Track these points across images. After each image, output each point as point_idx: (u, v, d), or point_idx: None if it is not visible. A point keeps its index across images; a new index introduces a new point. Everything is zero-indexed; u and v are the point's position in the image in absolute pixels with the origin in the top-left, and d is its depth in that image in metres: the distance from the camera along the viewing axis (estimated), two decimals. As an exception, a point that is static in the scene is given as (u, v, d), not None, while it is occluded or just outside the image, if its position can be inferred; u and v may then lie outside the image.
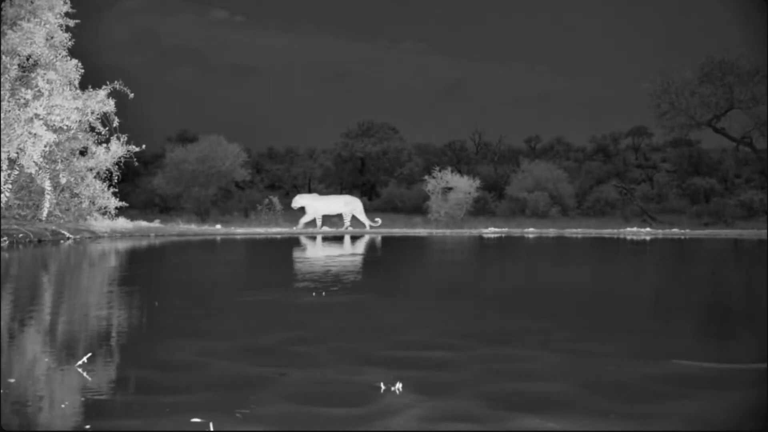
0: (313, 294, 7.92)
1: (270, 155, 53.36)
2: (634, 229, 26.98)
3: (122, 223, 22.19)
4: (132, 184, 35.53)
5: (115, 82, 21.05)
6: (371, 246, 18.90)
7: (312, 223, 26.79)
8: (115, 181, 21.91)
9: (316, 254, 16.19)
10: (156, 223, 24.00)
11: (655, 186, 41.21)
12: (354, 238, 22.10)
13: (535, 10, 75.15)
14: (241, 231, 24.38)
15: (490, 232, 26.33)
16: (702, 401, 3.78)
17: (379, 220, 27.24)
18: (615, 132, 53.32)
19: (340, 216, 27.36)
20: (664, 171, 45.02)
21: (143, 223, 23.46)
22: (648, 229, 27.01)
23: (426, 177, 31.72)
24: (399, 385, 3.92)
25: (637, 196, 36.03)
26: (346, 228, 26.29)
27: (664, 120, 33.57)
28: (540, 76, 77.13)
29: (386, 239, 22.07)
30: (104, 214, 21.76)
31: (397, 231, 26.20)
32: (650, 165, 48.87)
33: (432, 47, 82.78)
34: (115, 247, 16.57)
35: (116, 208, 21.93)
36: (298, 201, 27.00)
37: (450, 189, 30.44)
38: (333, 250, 17.02)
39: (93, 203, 21.44)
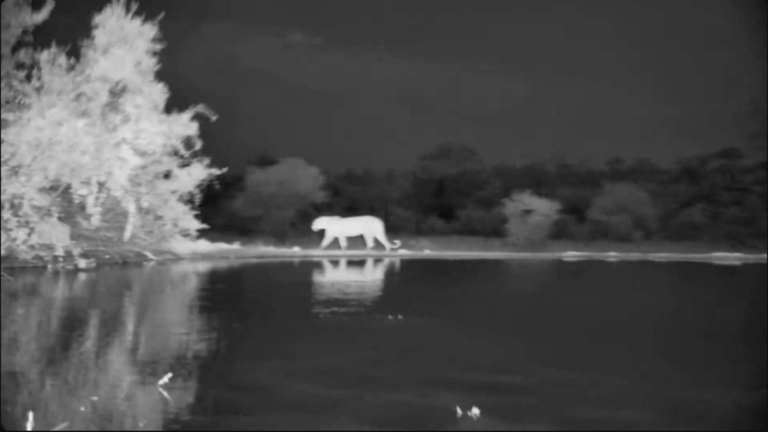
0: (389, 317, 7.93)
1: (348, 177, 53.88)
2: (722, 254, 26.08)
3: (203, 245, 22.65)
4: (213, 207, 36.24)
5: (198, 105, 21.53)
6: (446, 269, 18.80)
7: (334, 244, 27.00)
8: (197, 203, 22.31)
9: (391, 276, 16.20)
10: (236, 245, 24.44)
11: (745, 209, 39.74)
12: (422, 261, 22.02)
13: (613, 31, 73.84)
14: (318, 253, 24.64)
15: (570, 255, 25.87)
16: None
17: (398, 242, 27.26)
18: (703, 153, 51.71)
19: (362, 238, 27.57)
20: (755, 194, 43.37)
21: (223, 245, 23.92)
22: (737, 254, 26.06)
23: (504, 199, 31.47)
24: (476, 411, 3.88)
25: (725, 220, 34.87)
26: (369, 248, 26.44)
27: (754, 141, 32.51)
28: (621, 95, 75.62)
29: (462, 262, 21.93)
30: (186, 236, 22.18)
31: (474, 254, 26.04)
32: (740, 187, 47.13)
33: (507, 67, 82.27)
34: (196, 269, 16.98)
35: (197, 230, 22.32)
36: (318, 224, 27.32)
37: (529, 212, 30.12)
38: (405, 272, 17.00)
39: (175, 225, 21.85)
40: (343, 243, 27.02)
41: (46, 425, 3.55)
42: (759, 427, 3.56)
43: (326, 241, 26.90)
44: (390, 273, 17.48)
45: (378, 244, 27.18)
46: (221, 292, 11.65)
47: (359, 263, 21.11)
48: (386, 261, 22.07)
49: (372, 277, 16.14)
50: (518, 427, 3.66)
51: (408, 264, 21.02)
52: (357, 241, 27.88)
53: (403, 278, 16.10)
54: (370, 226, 27.22)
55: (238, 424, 3.67)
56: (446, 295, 11.71)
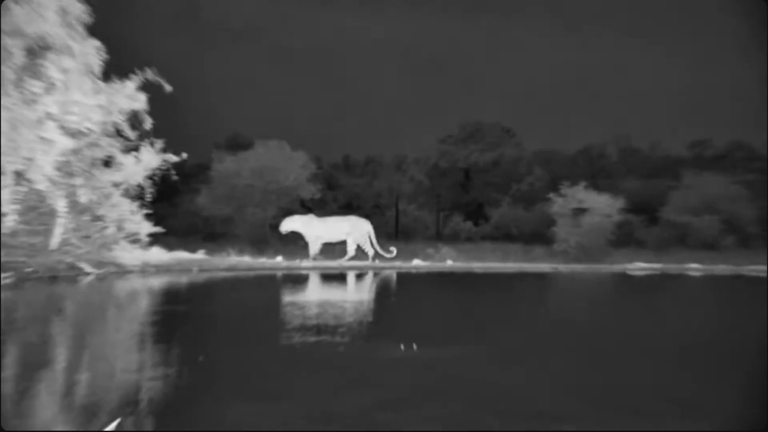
0: (401, 346, 7.98)
1: (346, 166, 53.92)
2: None
3: (157, 254, 22.72)
4: (170, 205, 36.45)
5: (148, 70, 21.50)
6: (474, 285, 18.79)
7: (327, 252, 27.19)
8: (149, 199, 22.35)
9: (399, 294, 16.19)
10: (200, 255, 24.48)
11: None
12: (443, 274, 22.03)
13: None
14: (308, 264, 24.65)
15: (638, 268, 25.88)
16: None
17: (394, 250, 27.32)
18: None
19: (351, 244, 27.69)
20: None
21: (184, 255, 23.97)
22: None
23: (551, 195, 31.48)
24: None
25: None
26: (349, 257, 26.49)
27: None
28: (701, 64, 75.49)
29: (495, 277, 21.92)
30: (135, 242, 22.19)
31: (512, 266, 26.04)
32: None
33: (553, 27, 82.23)
34: (148, 285, 16.94)
35: (149, 234, 22.36)
36: (288, 225, 27.35)
37: (584, 210, 30.12)
38: (420, 289, 16.98)
39: (120, 229, 21.84)
40: (315, 249, 27.06)
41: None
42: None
43: (315, 248, 26.97)
44: (399, 291, 17.47)
45: (361, 252, 27.29)
46: (182, 316, 11.64)
47: (357, 278, 21.09)
48: (392, 275, 22.06)
49: (375, 296, 16.18)
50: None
51: (424, 279, 21.02)
52: (357, 251, 27.93)
53: (417, 297, 16.05)
54: (358, 229, 27.27)
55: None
56: (474, 320, 11.69)
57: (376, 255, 27.43)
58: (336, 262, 26.63)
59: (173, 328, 10.01)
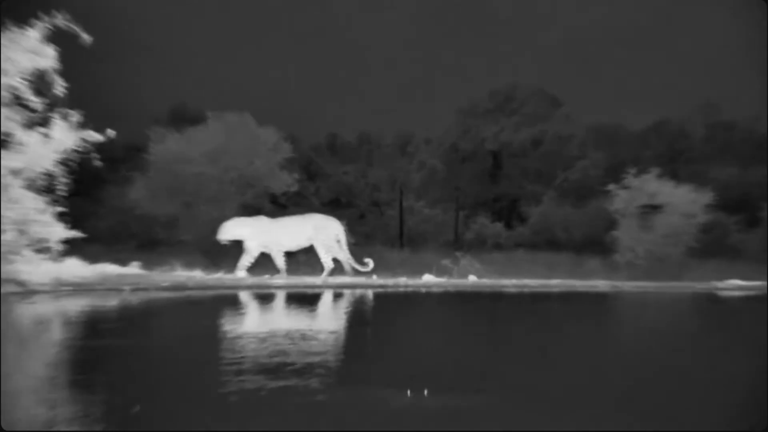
0: (408, 393, 7.96)
1: (332, 149, 53.90)
2: None
3: (75, 267, 22.65)
4: (92, 200, 36.43)
5: (58, 15, 21.29)
6: (503, 309, 18.75)
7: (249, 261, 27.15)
8: (62, 193, 22.22)
9: (396, 321, 16.14)
10: (134, 268, 24.45)
11: None
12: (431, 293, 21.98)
13: None
14: (280, 282, 24.59)
15: (732, 287, 25.78)
16: None
17: (370, 262, 27.26)
18: None
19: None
20: None
21: (111, 268, 23.95)
22: None
23: (611, 186, 31.45)
24: None
25: None
26: (328, 271, 26.53)
27: None
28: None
29: (534, 298, 21.88)
30: (43, 252, 22.10)
31: (557, 283, 25.97)
32: None
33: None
34: (62, 310, 16.85)
35: (64, 241, 22.28)
36: (230, 229, 27.31)
37: (656, 208, 30.08)
38: (430, 314, 16.93)
39: (22, 233, 21.76)
40: (280, 262, 27.05)
41: None
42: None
43: (247, 258, 26.93)
44: (398, 317, 17.49)
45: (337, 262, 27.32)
46: (108, 352, 11.57)
47: (337, 298, 21.08)
48: (391, 294, 22.07)
49: (364, 323, 16.24)
50: None
51: (437, 301, 21.01)
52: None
53: (426, 326, 16.09)
54: (325, 232, 27.26)
55: None
56: (505, 356, 11.64)
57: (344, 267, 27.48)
58: (320, 278, 26.59)
59: (98, 367, 9.92)
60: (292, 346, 11.51)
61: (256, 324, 15.60)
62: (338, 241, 27.53)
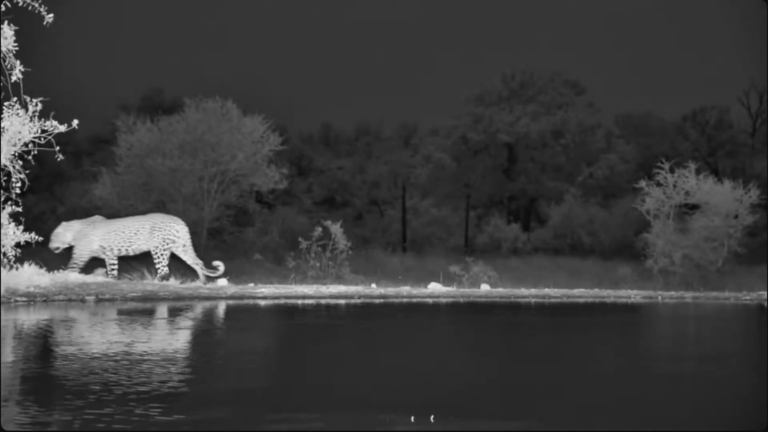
0: (386, 419, 7.85)
1: (325, 140, 53.81)
2: None
3: (32, 276, 22.49)
4: (51, 198, 36.27)
5: (16, -9, 21.26)
6: (521, 322, 18.59)
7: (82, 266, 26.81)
8: (18, 191, 22.12)
9: (400, 338, 15.95)
10: (98, 276, 24.29)
11: None
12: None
13: None
14: (268, 291, 24.48)
15: (781, 298, 25.58)
16: None
17: (220, 265, 26.96)
18: None
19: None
20: None
21: (74, 277, 23.77)
22: None
23: (642, 182, 31.30)
24: None
25: None
26: (162, 273, 26.21)
27: None
28: None
29: (555, 310, 21.73)
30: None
31: (583, 293, 25.82)
32: None
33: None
34: (15, 324, 16.68)
35: (18, 244, 22.19)
36: (60, 236, 27.00)
37: (695, 208, 29.94)
38: (444, 327, 16.75)
39: (-30, 236, 21.72)
40: (112, 264, 26.81)
41: None
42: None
43: (76, 261, 26.66)
44: (395, 328, 17.25)
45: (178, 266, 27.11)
46: (68, 374, 11.34)
47: (357, 310, 20.94)
48: (392, 302, 21.92)
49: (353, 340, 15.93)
50: None
51: (444, 313, 20.80)
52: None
53: (432, 343, 15.86)
54: (163, 234, 26.98)
55: None
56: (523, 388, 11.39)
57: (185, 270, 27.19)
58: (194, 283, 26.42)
59: (55, 394, 9.69)
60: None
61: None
62: (183, 245, 27.12)
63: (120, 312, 19.81)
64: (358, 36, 78.63)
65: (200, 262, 27.17)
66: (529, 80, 47.50)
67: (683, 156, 34.68)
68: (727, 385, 11.38)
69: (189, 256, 27.10)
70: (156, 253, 26.75)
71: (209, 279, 26.82)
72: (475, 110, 46.94)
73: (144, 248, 26.94)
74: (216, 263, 27.30)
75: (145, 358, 12.45)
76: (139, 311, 20.30)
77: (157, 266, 26.73)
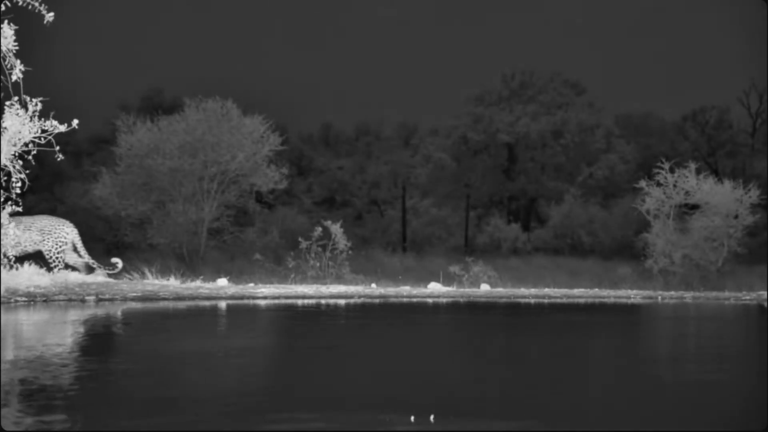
0: (386, 419, 7.83)
1: (325, 140, 53.80)
2: None
3: (31, 275, 22.46)
4: (51, 198, 36.24)
5: (18, -9, 21.24)
6: (521, 322, 18.59)
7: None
8: (17, 191, 22.10)
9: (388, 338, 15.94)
10: (99, 276, 24.27)
11: None
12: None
13: None
14: (268, 291, 24.46)
15: (782, 299, 25.58)
16: None
17: (118, 261, 26.65)
18: None
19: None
20: None
21: (74, 277, 23.74)
22: None
23: (642, 182, 31.31)
24: None
25: None
26: (57, 270, 25.93)
27: None
28: None
29: (554, 311, 21.73)
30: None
31: (583, 293, 25.82)
32: None
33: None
34: (15, 323, 16.66)
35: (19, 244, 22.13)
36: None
37: (695, 208, 29.95)
38: (444, 328, 16.73)
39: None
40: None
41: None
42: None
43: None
44: (388, 329, 17.24)
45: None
46: (65, 375, 11.35)
47: (359, 310, 20.94)
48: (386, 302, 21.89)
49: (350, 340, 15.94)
50: None
51: (444, 313, 20.79)
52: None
53: (429, 343, 15.89)
54: (54, 235, 26.76)
55: None
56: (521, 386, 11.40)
57: (88, 266, 26.86)
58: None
59: (50, 398, 9.70)
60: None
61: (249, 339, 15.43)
62: (74, 247, 26.84)
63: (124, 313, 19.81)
64: (358, 36, 78.68)
65: (94, 261, 26.70)
66: (529, 80, 47.54)
67: (683, 156, 34.71)
68: (727, 385, 11.40)
69: (83, 256, 26.67)
70: (50, 256, 26.37)
71: (110, 275, 26.43)
72: (475, 110, 46.95)
73: (29, 251, 26.38)
74: (114, 260, 26.90)
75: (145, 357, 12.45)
76: (139, 311, 20.31)
77: (55, 263, 26.38)
